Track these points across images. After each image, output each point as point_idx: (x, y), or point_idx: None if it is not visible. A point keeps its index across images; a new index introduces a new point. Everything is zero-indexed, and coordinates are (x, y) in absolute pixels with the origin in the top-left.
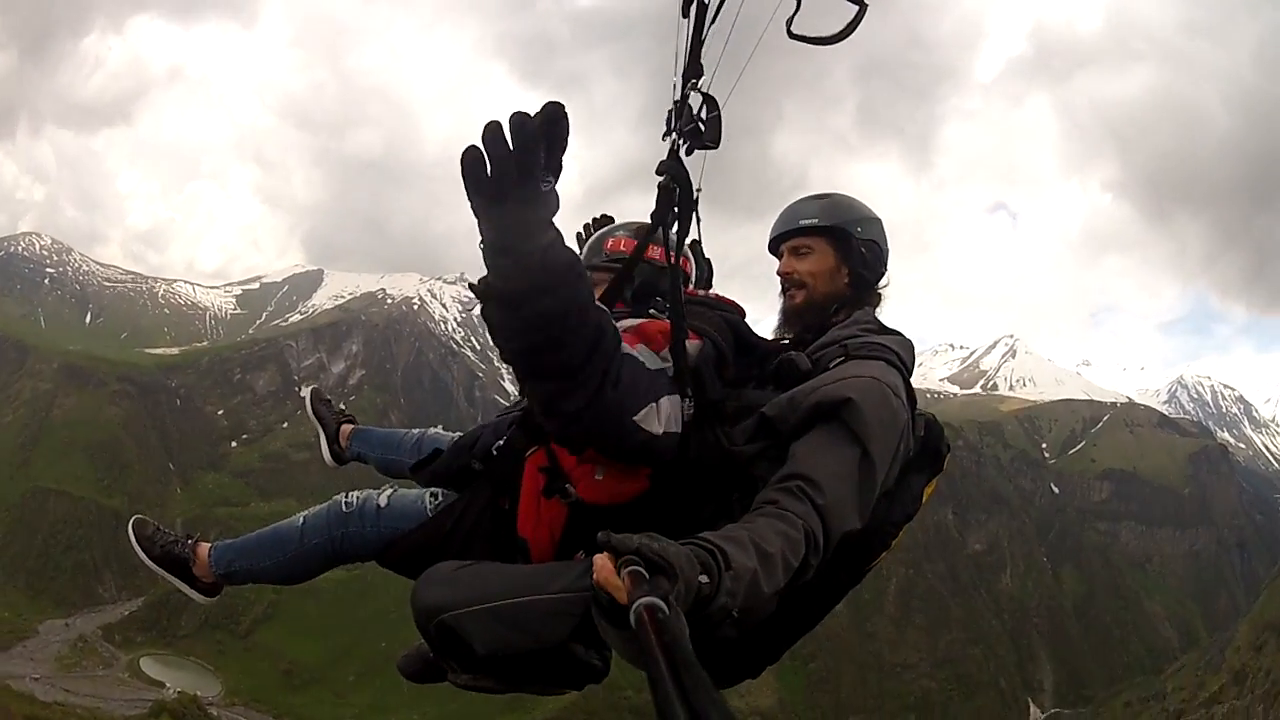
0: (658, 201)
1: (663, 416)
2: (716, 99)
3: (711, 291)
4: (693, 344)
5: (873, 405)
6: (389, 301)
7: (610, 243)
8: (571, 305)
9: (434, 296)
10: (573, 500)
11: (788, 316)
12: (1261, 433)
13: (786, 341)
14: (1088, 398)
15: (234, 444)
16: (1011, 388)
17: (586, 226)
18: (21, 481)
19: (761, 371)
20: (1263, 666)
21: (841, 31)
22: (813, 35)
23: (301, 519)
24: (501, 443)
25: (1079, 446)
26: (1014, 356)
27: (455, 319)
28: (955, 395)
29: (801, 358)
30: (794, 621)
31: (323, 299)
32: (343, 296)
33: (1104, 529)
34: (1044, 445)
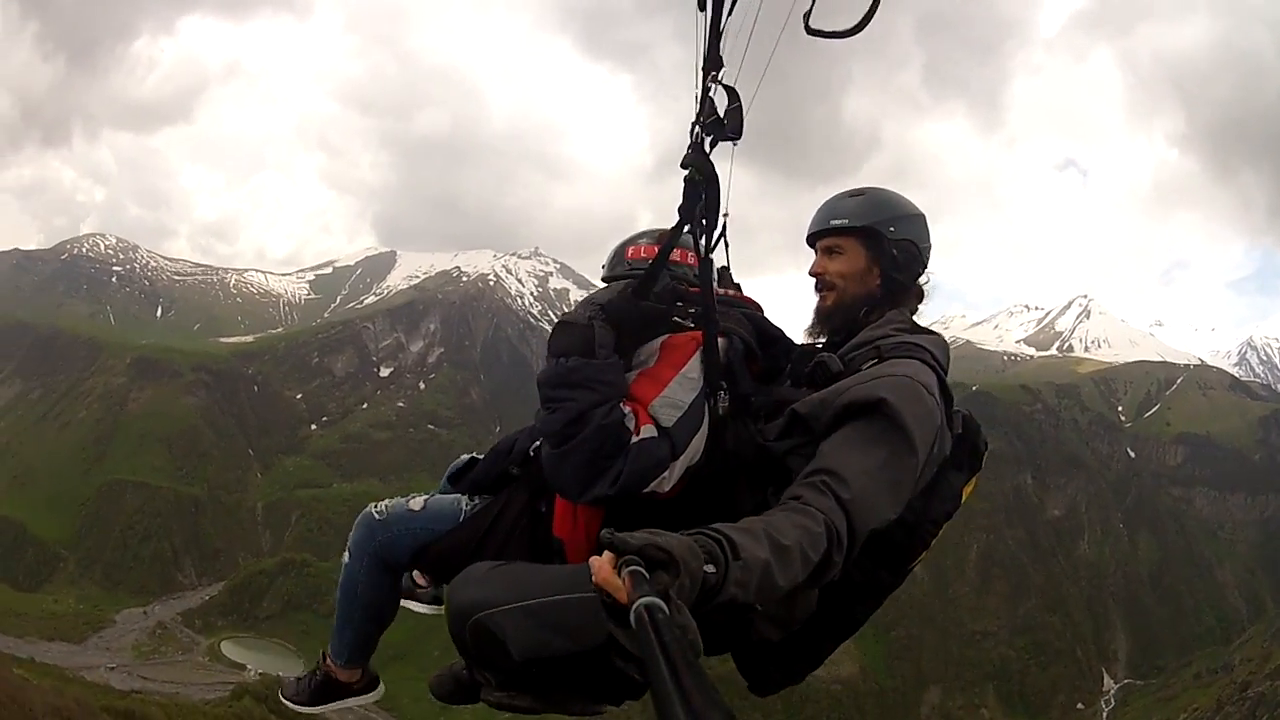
0: (685, 195)
1: (676, 473)
2: (737, 90)
3: (729, 291)
4: (720, 342)
5: (907, 402)
6: (464, 279)
7: (631, 251)
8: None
9: (509, 272)
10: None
11: (819, 317)
12: None
13: (819, 345)
14: (1161, 359)
15: (314, 427)
16: (1086, 349)
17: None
18: (97, 476)
19: (792, 369)
20: None
21: (857, 25)
22: (829, 29)
23: (346, 555)
24: (537, 444)
25: (1154, 409)
26: (1088, 317)
27: (531, 293)
28: (1032, 357)
29: (833, 359)
30: (835, 624)
31: (397, 280)
32: (417, 276)
33: (1178, 494)
34: (1120, 408)
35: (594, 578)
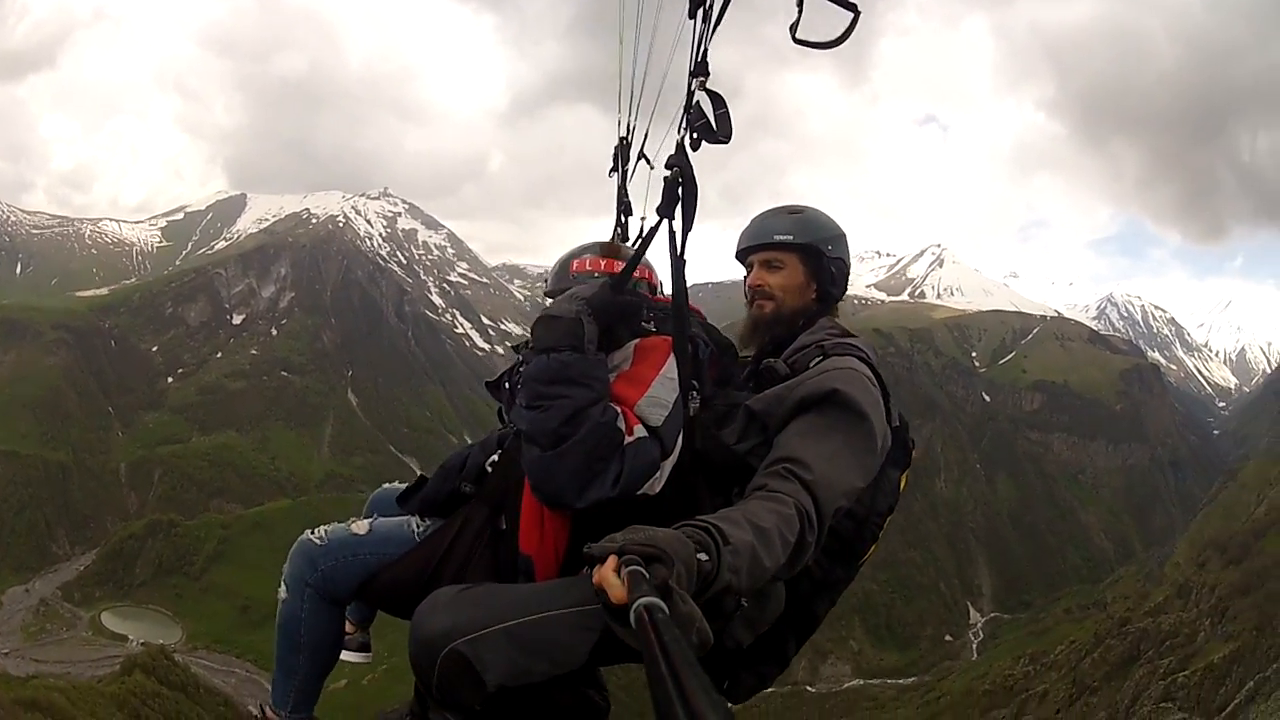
0: (664, 194)
1: (665, 473)
2: (723, 96)
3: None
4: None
5: (857, 390)
6: (314, 221)
7: (576, 264)
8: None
9: (358, 213)
10: (576, 510)
11: (755, 326)
12: (1194, 356)
13: (749, 356)
14: (1016, 309)
15: (170, 380)
16: (939, 296)
17: None
18: None
19: (740, 374)
20: (1206, 582)
21: (840, 36)
22: (815, 40)
23: (282, 591)
24: (496, 458)
25: (1009, 357)
26: (941, 265)
27: (380, 234)
28: (883, 301)
29: (779, 364)
30: (798, 622)
31: (247, 223)
32: (267, 220)
33: (1036, 439)
34: (974, 355)
35: (594, 578)
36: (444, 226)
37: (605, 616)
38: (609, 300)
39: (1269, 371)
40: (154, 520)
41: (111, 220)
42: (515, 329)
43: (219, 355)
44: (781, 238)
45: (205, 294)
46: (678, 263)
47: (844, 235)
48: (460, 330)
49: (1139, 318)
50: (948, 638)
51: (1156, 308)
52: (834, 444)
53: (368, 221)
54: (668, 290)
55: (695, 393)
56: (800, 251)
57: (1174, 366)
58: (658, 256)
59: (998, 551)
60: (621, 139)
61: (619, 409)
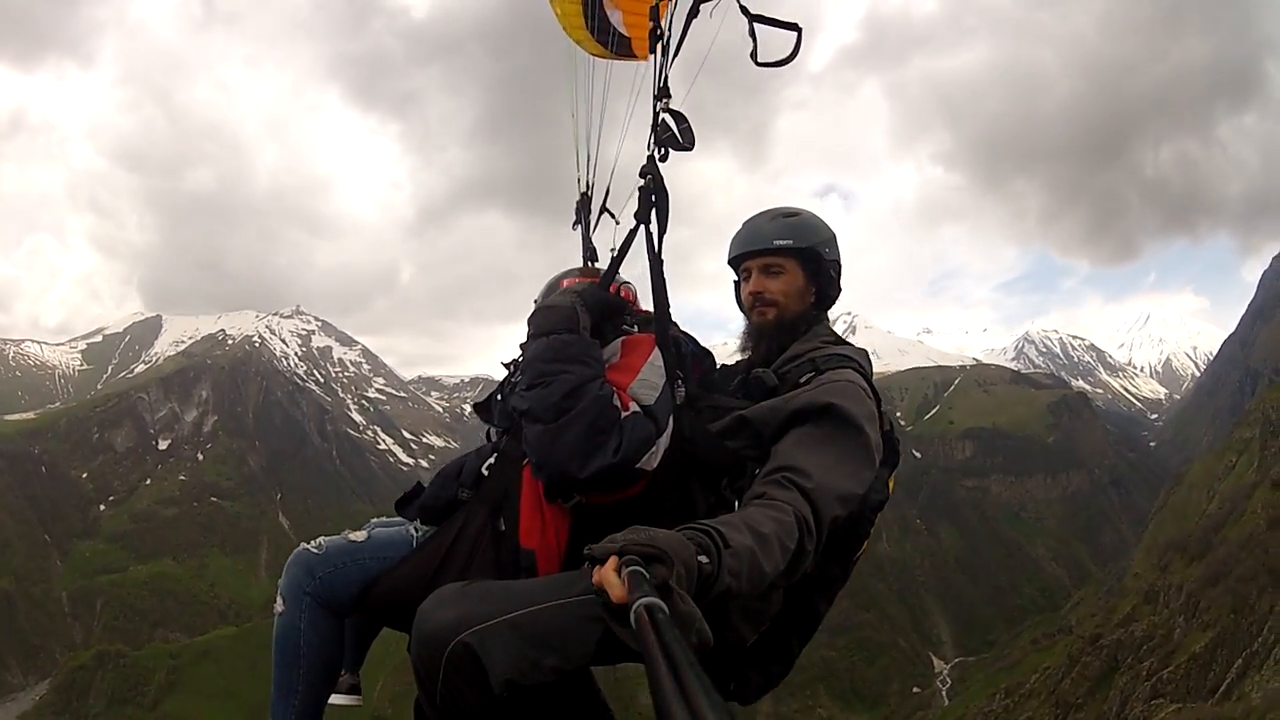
0: (640, 201)
1: (660, 451)
2: (684, 114)
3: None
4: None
5: (852, 403)
6: (229, 343)
7: (567, 282)
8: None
9: (273, 333)
10: (575, 502)
11: (757, 332)
12: (1119, 376)
13: (737, 364)
14: (934, 364)
15: (102, 507)
16: None
17: None
18: None
19: (719, 383)
20: (1172, 583)
21: (791, 54)
22: (773, 60)
23: (278, 604)
24: (492, 460)
25: (934, 411)
26: (854, 333)
27: (296, 353)
28: None
29: (768, 374)
30: (800, 620)
31: (165, 345)
32: (183, 341)
33: (972, 485)
34: (899, 414)
35: (593, 578)
36: (358, 342)
37: (606, 617)
38: (599, 295)
39: (1198, 375)
40: (102, 650)
41: (34, 342)
42: (437, 441)
43: (148, 482)
44: (781, 242)
45: (130, 419)
46: (656, 261)
47: (836, 237)
48: (383, 446)
49: (1058, 350)
50: (915, 690)
51: (1074, 337)
52: (832, 455)
53: (283, 341)
54: (644, 307)
55: (680, 383)
56: (800, 256)
57: (1100, 390)
58: (634, 260)
59: (951, 599)
60: (583, 194)
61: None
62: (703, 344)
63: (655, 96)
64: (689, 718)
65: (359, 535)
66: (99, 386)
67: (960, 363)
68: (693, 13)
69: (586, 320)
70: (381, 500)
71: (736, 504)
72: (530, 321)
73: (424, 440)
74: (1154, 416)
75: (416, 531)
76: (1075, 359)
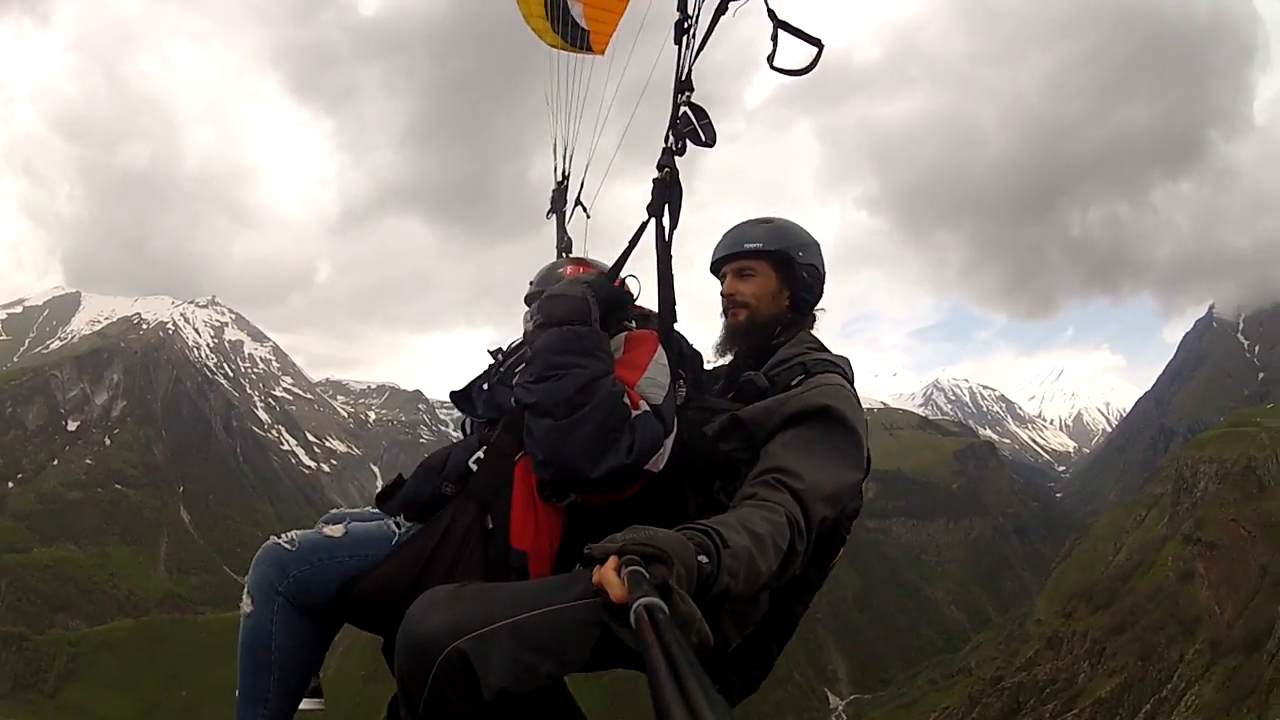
0: (654, 194)
1: (668, 451)
2: (705, 109)
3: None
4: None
5: (846, 405)
6: (144, 328)
7: (569, 271)
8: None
9: (187, 321)
10: (570, 502)
11: (730, 334)
12: (1028, 427)
13: (727, 365)
14: None
15: (10, 484)
16: None
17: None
18: None
19: (717, 385)
20: (1077, 630)
21: (809, 66)
22: (790, 68)
23: (246, 604)
24: (481, 454)
25: None
26: None
27: (208, 344)
28: None
29: (759, 376)
30: (779, 624)
31: (81, 324)
32: (100, 321)
33: (874, 526)
34: None
35: (594, 578)
36: (269, 339)
37: (605, 617)
38: (608, 287)
39: (1109, 430)
40: (5, 632)
41: None
42: (340, 446)
43: (55, 462)
44: (752, 245)
45: (42, 396)
46: (665, 256)
47: (816, 244)
48: (286, 447)
49: (967, 399)
50: None
51: (985, 387)
52: (823, 456)
53: (196, 331)
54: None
55: (682, 383)
56: (771, 258)
57: (1008, 440)
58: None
59: (848, 636)
60: (559, 183)
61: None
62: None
63: (677, 89)
64: (689, 718)
65: (335, 530)
66: (15, 359)
67: (868, 405)
68: (721, 9)
69: (597, 313)
70: (282, 502)
71: (727, 506)
72: (540, 309)
73: (327, 444)
74: (1061, 469)
75: (399, 529)
76: (984, 408)
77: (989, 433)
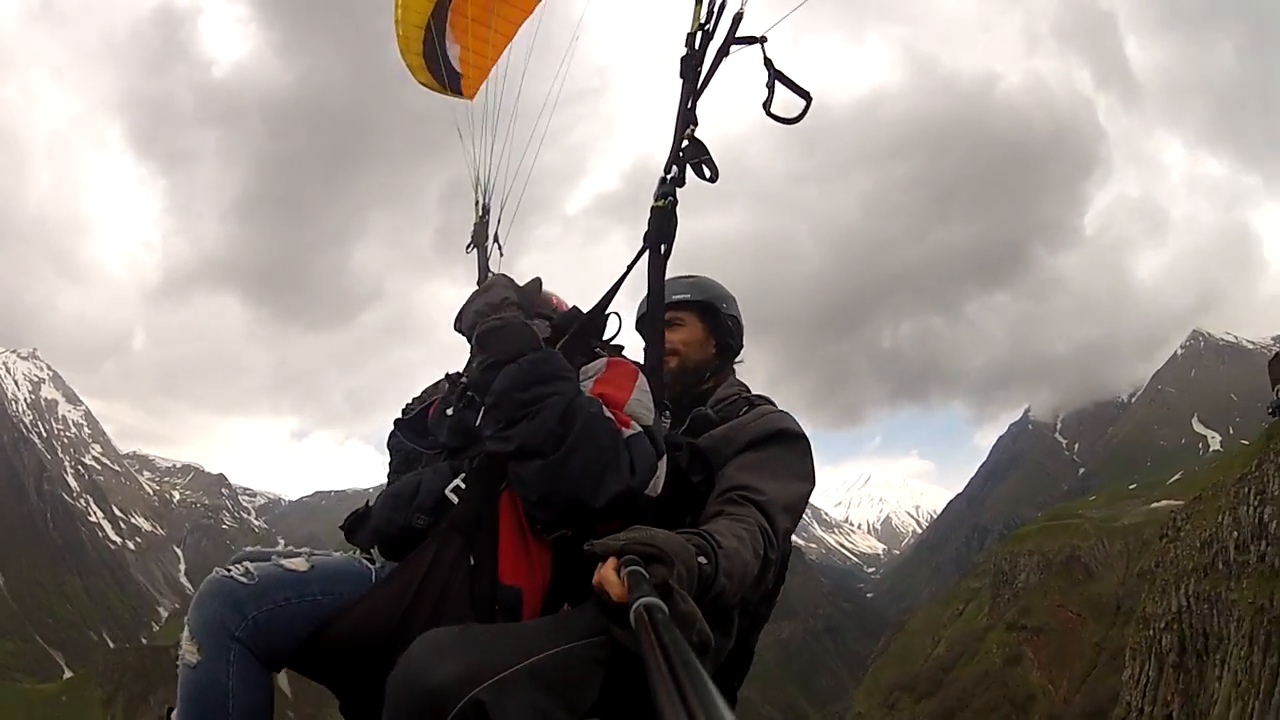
0: (653, 224)
1: (663, 474)
2: (705, 144)
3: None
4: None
5: (797, 425)
6: None
7: (555, 300)
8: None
9: (7, 370)
10: (558, 536)
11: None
12: (834, 532)
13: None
14: None
15: None
16: None
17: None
18: None
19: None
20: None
21: (799, 116)
22: (783, 116)
23: (191, 654)
24: (461, 483)
25: None
26: None
27: (25, 399)
28: None
29: (709, 412)
30: (738, 659)
31: None
32: None
33: None
34: None
35: (594, 578)
36: (83, 402)
37: (605, 617)
38: (574, 315)
39: (919, 531)
40: None
41: None
42: (145, 525)
43: None
44: (680, 297)
45: None
46: (659, 288)
47: (735, 298)
48: (94, 519)
49: None
50: None
51: None
52: (780, 472)
53: (15, 383)
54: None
55: (667, 414)
56: (697, 309)
57: (815, 545)
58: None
59: None
60: (480, 217)
61: (608, 410)
62: None
63: (681, 123)
64: (689, 718)
65: (297, 563)
66: None
67: None
68: (723, 51)
69: (541, 333)
70: (90, 575)
71: None
72: (484, 348)
73: (132, 520)
74: (871, 570)
75: (375, 564)
76: None
77: (795, 539)
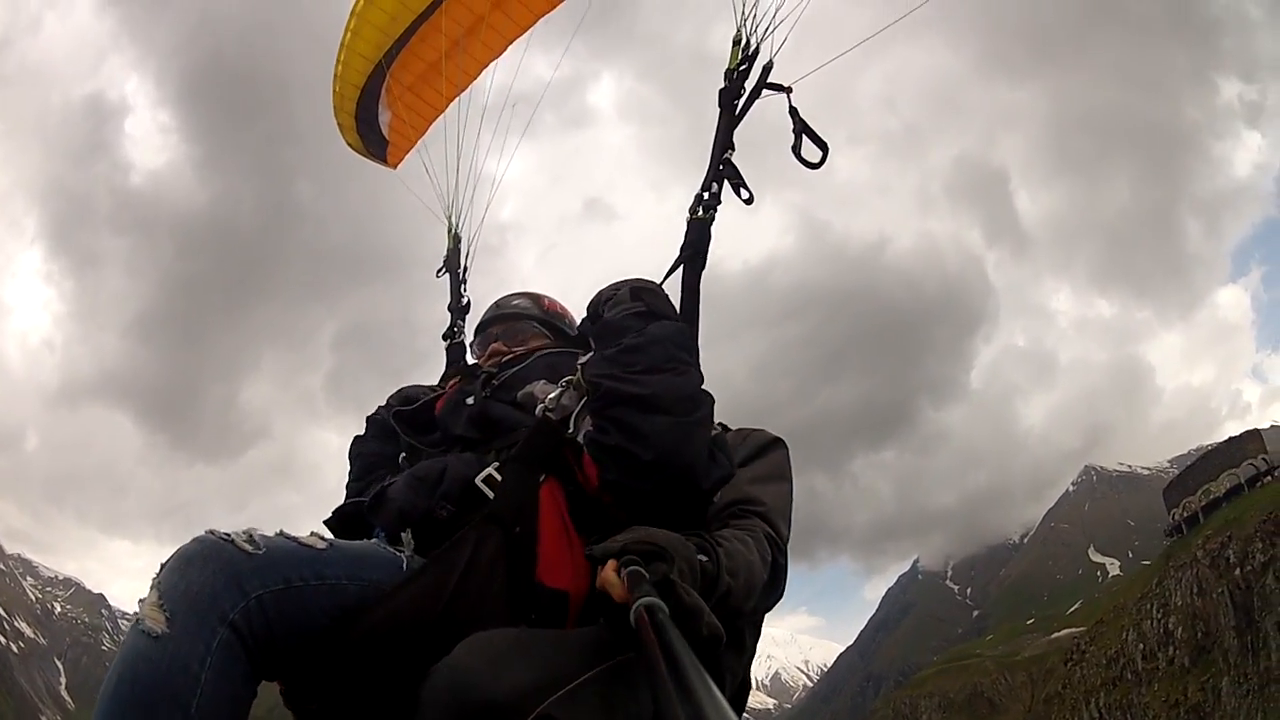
0: (690, 234)
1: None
2: (738, 168)
3: None
4: None
5: (781, 438)
6: None
7: (547, 302)
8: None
9: None
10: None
11: None
12: None
13: None
14: None
15: None
16: None
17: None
18: None
19: None
20: None
21: (820, 162)
22: (808, 160)
23: (154, 621)
24: (495, 472)
25: None
26: None
27: None
28: None
29: None
30: (740, 694)
31: None
32: None
33: None
34: None
35: (596, 582)
36: None
37: (609, 620)
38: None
39: (810, 685)
40: None
41: None
42: (27, 630)
43: None
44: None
45: None
46: (694, 299)
47: None
48: None
49: None
50: None
51: None
52: (775, 481)
53: None
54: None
55: None
56: None
57: None
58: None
59: None
60: (454, 244)
61: None
62: None
63: (719, 147)
64: (688, 719)
65: (312, 539)
66: None
67: None
68: (755, 94)
69: None
70: None
71: None
72: (640, 297)
73: (15, 624)
74: None
75: (406, 550)
76: None
77: None
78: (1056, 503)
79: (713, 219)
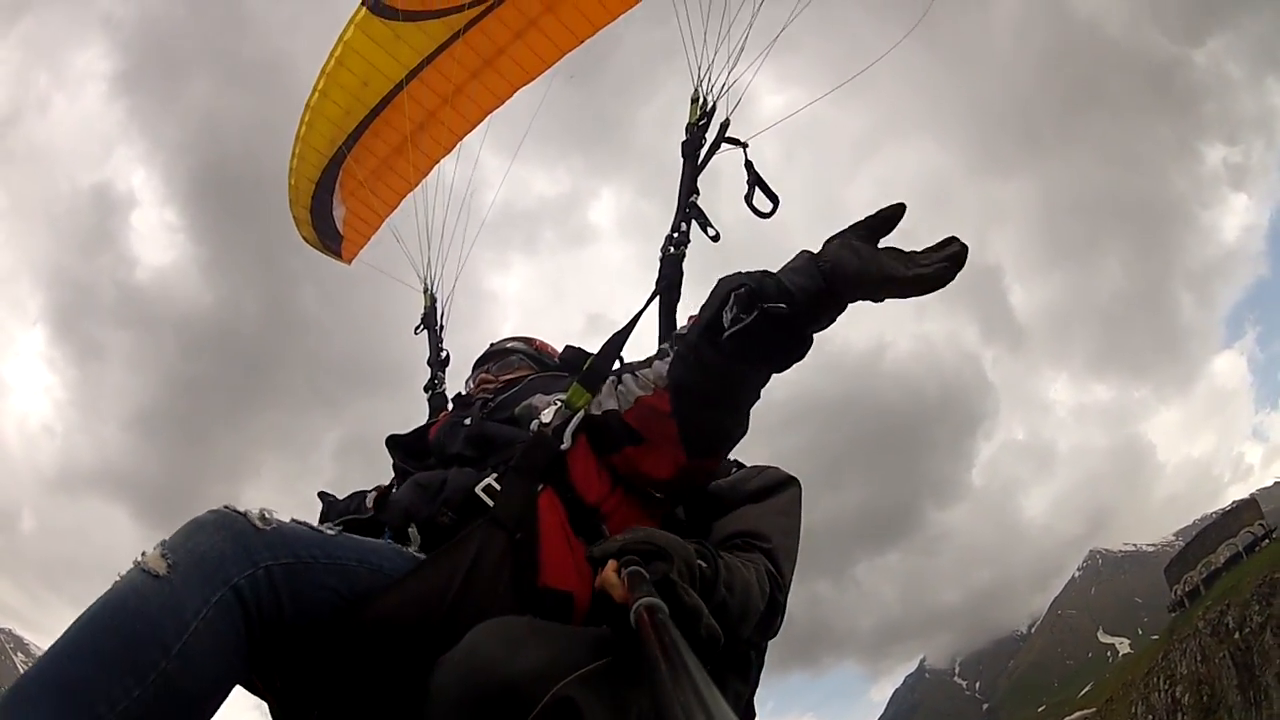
0: (672, 267)
1: None
2: (704, 212)
3: None
4: None
5: (795, 478)
6: None
7: (538, 343)
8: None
9: None
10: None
11: None
12: None
13: None
14: None
15: None
16: None
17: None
18: None
19: None
20: None
21: (770, 213)
22: (760, 210)
23: (158, 563)
24: (494, 481)
25: None
26: None
27: None
28: None
29: None
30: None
31: None
32: None
33: None
34: None
35: (595, 583)
36: None
37: (609, 620)
38: None
39: None
40: None
41: None
42: None
43: None
44: None
45: None
46: (669, 321)
47: None
48: None
49: None
50: None
51: None
52: (784, 520)
53: None
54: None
55: None
56: None
57: None
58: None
59: None
60: (431, 302)
61: None
62: None
63: (685, 191)
64: (688, 718)
65: (327, 525)
66: None
67: None
68: (715, 147)
69: None
70: None
71: None
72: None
73: None
74: None
75: (412, 547)
76: None
77: None
78: (1063, 590)
79: (683, 255)
